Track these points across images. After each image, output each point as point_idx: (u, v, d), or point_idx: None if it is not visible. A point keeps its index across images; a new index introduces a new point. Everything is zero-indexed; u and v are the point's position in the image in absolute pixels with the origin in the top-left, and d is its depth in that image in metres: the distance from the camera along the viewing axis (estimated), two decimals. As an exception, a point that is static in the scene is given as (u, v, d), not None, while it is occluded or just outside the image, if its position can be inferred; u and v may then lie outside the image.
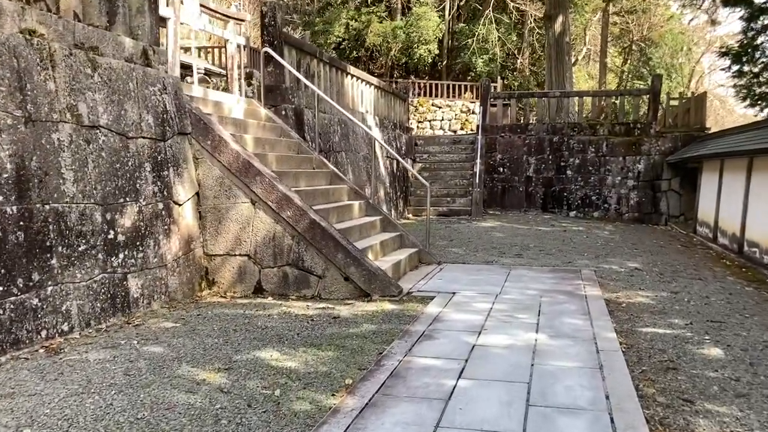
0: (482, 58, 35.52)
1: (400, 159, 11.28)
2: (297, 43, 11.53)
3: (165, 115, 7.16)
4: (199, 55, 20.34)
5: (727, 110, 45.25)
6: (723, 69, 21.49)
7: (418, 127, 32.24)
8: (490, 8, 34.03)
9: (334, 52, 33.58)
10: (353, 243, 7.93)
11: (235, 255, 7.63)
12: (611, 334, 5.74)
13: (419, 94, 33.49)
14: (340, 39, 35.52)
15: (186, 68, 18.73)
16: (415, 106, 32.74)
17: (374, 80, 16.15)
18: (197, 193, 7.65)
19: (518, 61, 37.49)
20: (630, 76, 38.12)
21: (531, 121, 19.69)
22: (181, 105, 7.50)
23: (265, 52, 10.37)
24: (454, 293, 7.46)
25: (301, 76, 10.29)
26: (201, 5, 9.20)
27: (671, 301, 7.42)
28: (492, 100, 20.47)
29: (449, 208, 17.54)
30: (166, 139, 7.14)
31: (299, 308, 6.80)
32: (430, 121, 32.73)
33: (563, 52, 23.22)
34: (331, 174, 9.97)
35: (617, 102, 21.90)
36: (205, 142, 7.61)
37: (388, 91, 17.37)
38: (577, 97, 19.87)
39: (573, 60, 31.23)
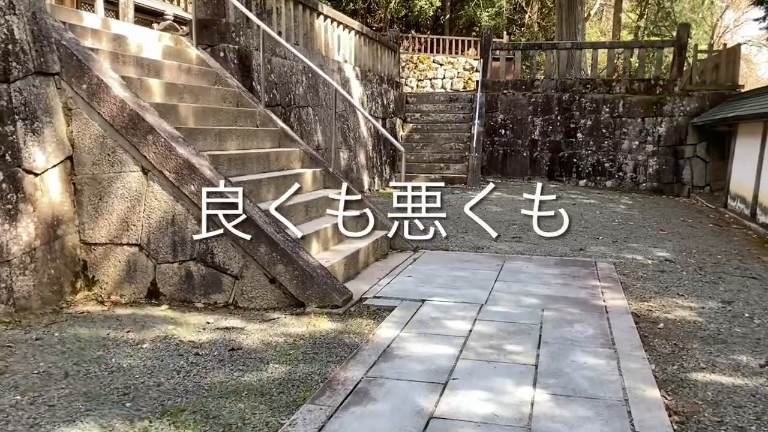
0: (487, 12, 32.94)
1: (369, 118, 9.06)
2: (245, -32, 9.22)
3: (8, 46, 4.97)
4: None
5: (751, 69, 42.44)
6: (756, 20, 18.93)
7: (417, 85, 29.92)
8: (497, -43, 31.18)
9: (329, 3, 31.00)
10: (289, 229, 5.82)
11: (121, 244, 5.53)
12: (651, 391, 3.64)
13: (420, 50, 31.10)
14: (336, -12, 32.98)
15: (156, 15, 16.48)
16: (415, 63, 30.40)
17: (355, 24, 13.82)
18: (70, 158, 5.51)
19: (527, 15, 34.90)
20: (647, 32, 35.34)
21: (538, 77, 17.36)
22: (42, 33, 5.31)
23: (198, -25, 8.11)
24: (423, 301, 5.35)
25: (242, 8, 8.01)
26: None
27: (726, 317, 5.30)
28: (494, 52, 18.12)
29: (443, 176, 15.33)
30: (11, 81, 4.97)
31: (192, 328, 4.71)
32: (430, 79, 30.35)
33: (575, 1, 20.71)
34: (279, 134, 7.79)
35: (635, 57, 19.50)
36: (79, 86, 5.44)
37: (373, 39, 15.04)
38: (590, 50, 17.50)
39: (585, 14, 28.65)
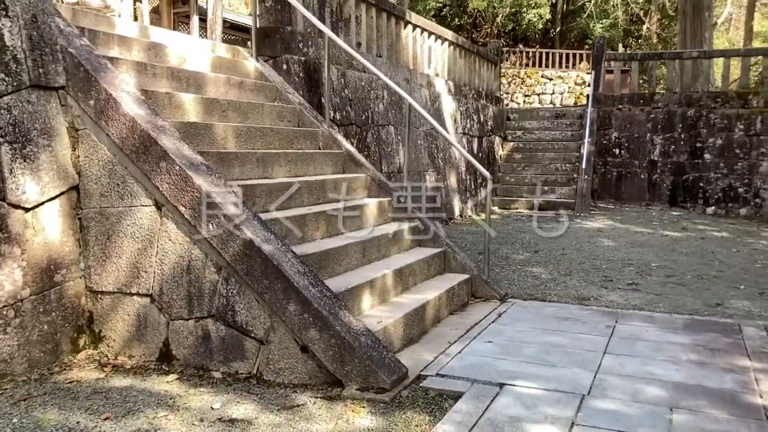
0: (601, 23, 30.90)
1: (447, 136, 7.82)
2: (317, -30, 8.22)
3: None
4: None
5: None
6: None
7: (524, 101, 28.39)
8: (613, -36, 29.05)
9: (434, 19, 30.03)
10: (329, 279, 4.65)
11: (131, 294, 4.53)
12: None
13: (527, 65, 29.51)
14: (440, 5, 32.14)
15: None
16: (522, 78, 28.88)
17: (449, 34, 12.58)
18: (76, 188, 4.59)
19: (644, 26, 32.45)
20: (783, 40, 31.93)
21: (658, 91, 15.41)
22: (44, 39, 4.42)
23: (260, -23, 7.15)
24: (501, 386, 3.97)
25: (308, 14, 6.95)
26: None
27: None
28: (608, 63, 16.34)
29: (547, 200, 13.78)
30: (-2, 96, 4.11)
31: (189, 417, 3.58)
32: (539, 94, 28.71)
33: (702, 6, 18.52)
34: (343, 157, 6.66)
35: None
36: (87, 102, 4.52)
37: (470, 51, 13.74)
38: (721, 58, 15.36)
39: (712, 22, 26.04)
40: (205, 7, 15.86)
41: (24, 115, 4.25)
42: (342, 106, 8.07)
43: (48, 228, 4.38)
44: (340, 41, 6.97)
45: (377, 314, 4.73)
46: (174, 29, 19.09)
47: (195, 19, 18.06)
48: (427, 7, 31.07)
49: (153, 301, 4.46)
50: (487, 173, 6.41)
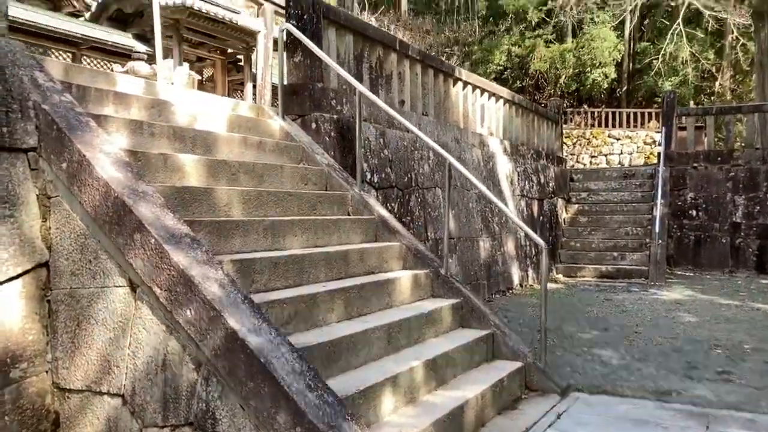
0: (670, 81, 29.70)
1: (494, 200, 6.97)
2: (352, 23, 7.61)
3: (-54, 111, 3.54)
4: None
5: None
6: None
7: (591, 162, 27.33)
8: (680, 21, 27.96)
9: (495, 82, 29.57)
10: (340, 375, 3.77)
11: (101, 393, 3.75)
12: None
13: (593, 125, 28.56)
14: (502, 68, 31.75)
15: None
16: (588, 138, 27.94)
17: (504, 91, 11.82)
18: (46, 265, 3.92)
19: (716, 83, 31.02)
20: None
21: (737, 148, 14.15)
22: (12, 95, 3.85)
23: (287, 31, 6.56)
24: None
25: (341, 70, 6.30)
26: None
27: None
28: (679, 119, 15.21)
29: (616, 267, 12.56)
30: (-55, 159, 3.51)
31: None
32: (606, 155, 27.61)
33: (782, 56, 17.25)
34: (375, 224, 5.84)
35: None
36: (59, 165, 3.89)
37: (527, 109, 12.92)
38: (809, 110, 14.00)
39: (791, 74, 24.50)
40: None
41: (-21, 182, 3.64)
42: (381, 167, 7.33)
43: (5, 314, 3.69)
44: (375, 98, 6.27)
45: (399, 421, 3.79)
46: (228, 97, 19.11)
47: (249, 86, 18.02)
48: (488, 71, 30.69)
49: (125, 402, 3.66)
50: (541, 241, 5.46)
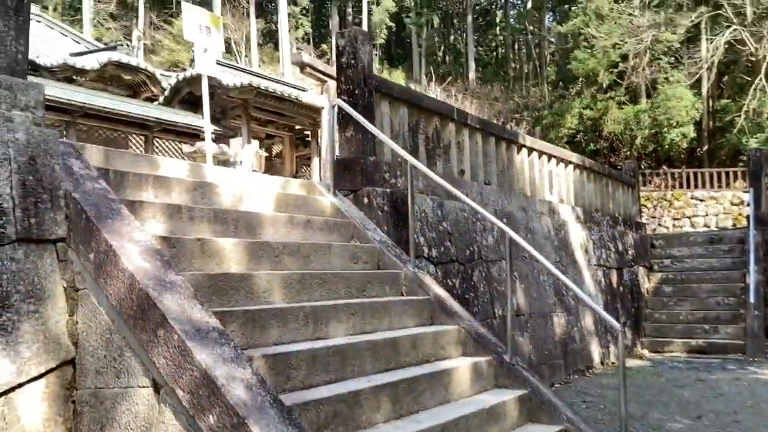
0: (755, 138, 28.30)
1: (559, 275, 6.48)
2: (406, 95, 7.41)
3: (-30, 204, 3.43)
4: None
5: None
6: None
7: (674, 225, 26.08)
8: (762, 75, 26.85)
9: (567, 146, 28.98)
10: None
11: (122, 507, 3.43)
12: None
13: (673, 186, 27.37)
14: (573, 131, 31.18)
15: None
16: (669, 201, 26.75)
17: (573, 156, 11.33)
18: (71, 362, 3.69)
19: (808, 137, 29.39)
20: None
21: (837, 205, 13.01)
22: (42, 184, 3.73)
23: (338, 107, 6.41)
24: None
25: (395, 146, 6.05)
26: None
27: None
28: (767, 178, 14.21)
29: (708, 342, 11.54)
30: (-34, 254, 3.37)
31: None
32: (689, 217, 26.27)
33: None
34: (431, 304, 5.43)
35: None
36: (87, 256, 3.71)
37: (600, 173, 12.33)
38: None
39: None
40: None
41: (3, 276, 3.48)
42: (440, 241, 6.95)
43: (25, 417, 3.46)
44: (427, 170, 5.98)
45: None
46: (297, 172, 19.32)
47: (316, 161, 18.18)
48: (560, 134, 30.18)
49: None
50: (616, 324, 4.89)
